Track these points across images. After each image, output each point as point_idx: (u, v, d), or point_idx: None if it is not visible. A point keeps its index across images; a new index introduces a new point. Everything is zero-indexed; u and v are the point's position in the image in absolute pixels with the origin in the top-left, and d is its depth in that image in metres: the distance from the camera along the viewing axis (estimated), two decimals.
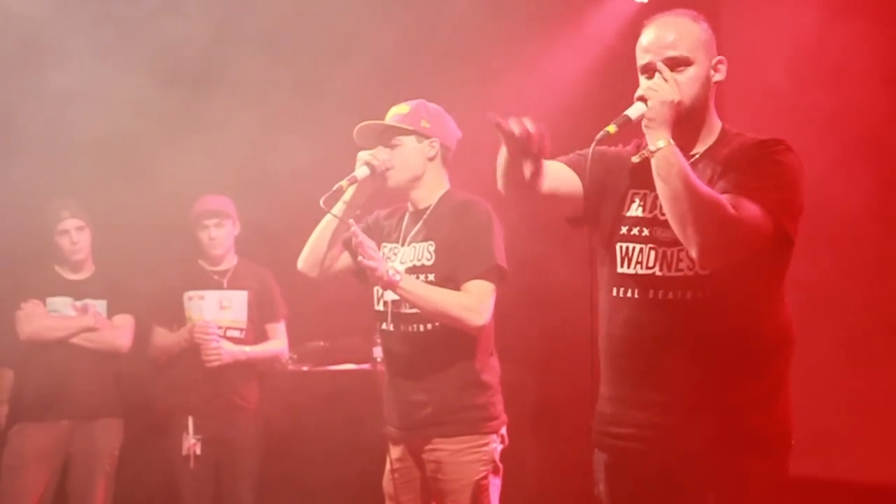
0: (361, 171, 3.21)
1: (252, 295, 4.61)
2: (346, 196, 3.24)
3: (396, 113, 3.31)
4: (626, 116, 2.32)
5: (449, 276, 3.19)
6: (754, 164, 2.34)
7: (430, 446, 3.22)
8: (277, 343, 4.71)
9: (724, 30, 5.15)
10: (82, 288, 4.61)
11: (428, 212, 3.31)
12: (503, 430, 3.29)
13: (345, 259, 3.36)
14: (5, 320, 4.48)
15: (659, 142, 2.28)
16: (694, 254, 2.26)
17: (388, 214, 3.44)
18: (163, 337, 4.60)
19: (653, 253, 2.39)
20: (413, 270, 3.23)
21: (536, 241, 4.42)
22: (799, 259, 2.46)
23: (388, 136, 3.28)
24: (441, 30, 5.00)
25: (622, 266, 2.45)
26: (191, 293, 4.59)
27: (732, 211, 2.23)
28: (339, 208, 3.26)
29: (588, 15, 5.14)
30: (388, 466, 3.34)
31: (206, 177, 4.63)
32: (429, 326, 3.20)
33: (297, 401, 4.81)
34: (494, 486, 3.24)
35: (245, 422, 4.56)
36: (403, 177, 3.28)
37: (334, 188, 3.16)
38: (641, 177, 2.42)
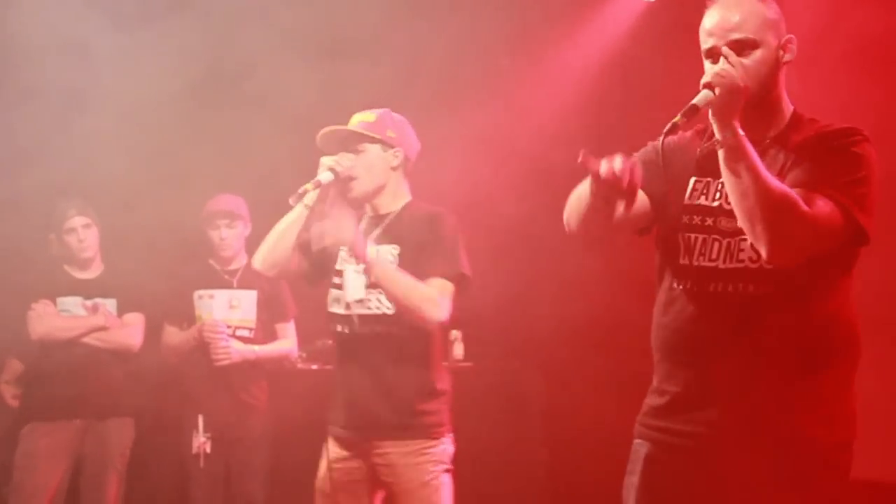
0: (325, 176, 3.22)
1: (261, 294, 4.62)
2: (308, 200, 3.25)
3: (362, 120, 3.32)
4: (694, 106, 2.17)
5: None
6: (829, 156, 2.23)
7: (381, 450, 3.25)
8: (286, 343, 4.72)
9: None
10: (92, 287, 4.62)
11: (390, 217, 3.33)
12: (451, 436, 3.32)
13: (300, 261, 3.38)
14: (16, 319, 4.49)
15: (727, 132, 2.16)
16: (763, 251, 2.16)
17: None
18: (173, 336, 4.62)
19: (716, 244, 2.30)
20: None
21: (548, 238, 4.44)
22: None
23: (352, 141, 3.29)
24: (450, 29, 4.99)
25: (684, 258, 2.35)
26: (201, 292, 4.60)
27: (805, 208, 2.14)
28: (299, 211, 3.28)
29: (596, 14, 5.14)
30: (324, 465, 3.35)
31: (219, 176, 4.64)
32: (388, 330, 3.22)
33: (307, 399, 4.81)
34: (447, 486, 3.27)
35: (255, 420, 4.57)
36: (368, 186, 3.30)
37: (300, 190, 3.20)
38: (704, 164, 2.34)
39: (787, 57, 2.31)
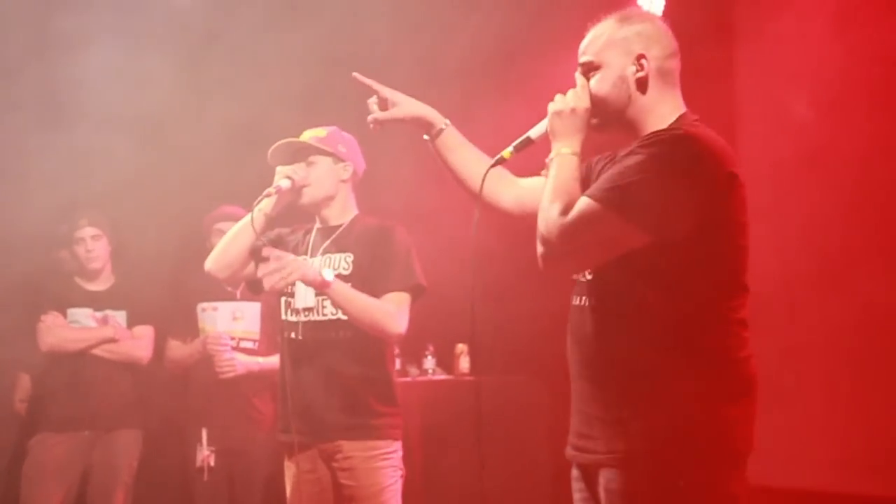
0: (284, 183, 3.36)
1: (265, 307, 4.61)
2: (262, 206, 3.39)
3: (314, 135, 3.48)
4: (527, 136, 2.39)
5: (365, 286, 3.30)
6: (620, 162, 2.27)
7: (340, 453, 3.31)
8: None
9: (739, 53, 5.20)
10: (102, 299, 4.64)
11: (340, 229, 3.47)
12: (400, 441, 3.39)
13: (249, 267, 3.50)
14: (26, 331, 4.51)
15: (559, 149, 2.32)
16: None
17: (290, 231, 3.60)
18: (177, 349, 4.63)
19: None
20: None
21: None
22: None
23: (304, 154, 3.45)
24: (457, 44, 5.02)
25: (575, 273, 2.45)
26: (204, 304, 4.61)
27: (557, 215, 2.21)
28: (255, 217, 3.40)
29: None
30: (292, 477, 3.40)
31: (223, 186, 4.66)
32: (341, 335, 3.32)
33: None
34: (399, 491, 3.35)
35: (259, 433, 4.56)
36: (318, 194, 3.44)
37: (263, 194, 3.33)
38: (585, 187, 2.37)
39: (639, 73, 2.34)
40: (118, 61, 4.53)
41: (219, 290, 4.64)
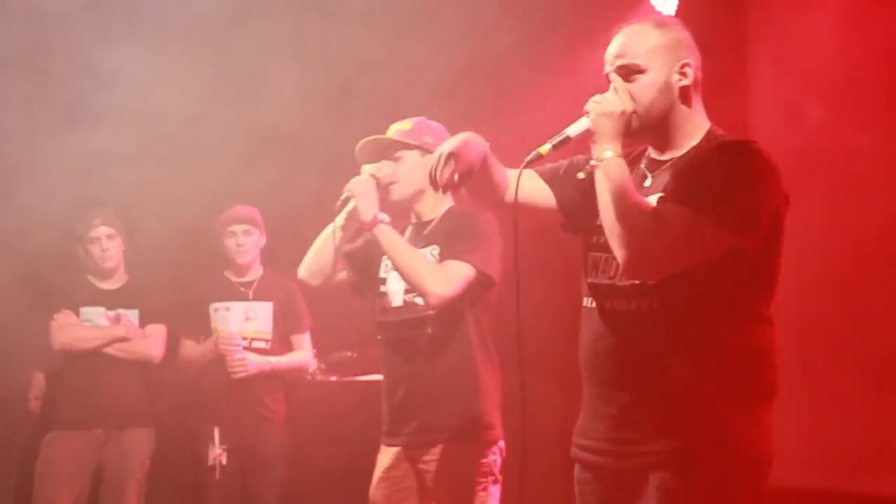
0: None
1: (277, 306, 4.64)
2: (350, 207, 3.28)
3: (399, 129, 3.36)
4: (565, 134, 2.30)
5: None
6: (701, 170, 2.25)
7: (429, 456, 3.23)
8: (302, 354, 4.74)
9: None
10: (115, 297, 4.66)
11: (433, 224, 3.35)
12: (502, 443, 3.27)
13: (346, 271, 3.42)
14: (38, 330, 4.54)
15: (604, 153, 2.25)
16: (621, 267, 2.23)
17: None
18: (190, 349, 4.64)
19: (614, 263, 2.31)
20: None
21: (560, 251, 4.45)
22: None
23: (390, 150, 3.33)
24: (468, 44, 5.01)
25: (591, 275, 2.43)
26: (217, 304, 4.62)
27: (654, 222, 2.18)
28: (342, 219, 3.30)
29: (613, 28, 5.15)
30: (376, 475, 3.34)
31: (236, 186, 4.67)
32: (429, 332, 3.22)
33: (325, 411, 4.83)
34: (494, 497, 3.23)
35: (272, 432, 4.58)
36: (407, 190, 3.32)
37: (342, 197, 3.24)
38: None
39: (683, 81, 2.33)
40: (134, 60, 4.53)
41: (231, 290, 4.66)
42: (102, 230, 4.61)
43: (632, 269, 2.22)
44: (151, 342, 4.63)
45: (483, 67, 5.18)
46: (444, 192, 2.43)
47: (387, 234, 3.17)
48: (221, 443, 4.48)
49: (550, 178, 2.52)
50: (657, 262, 2.20)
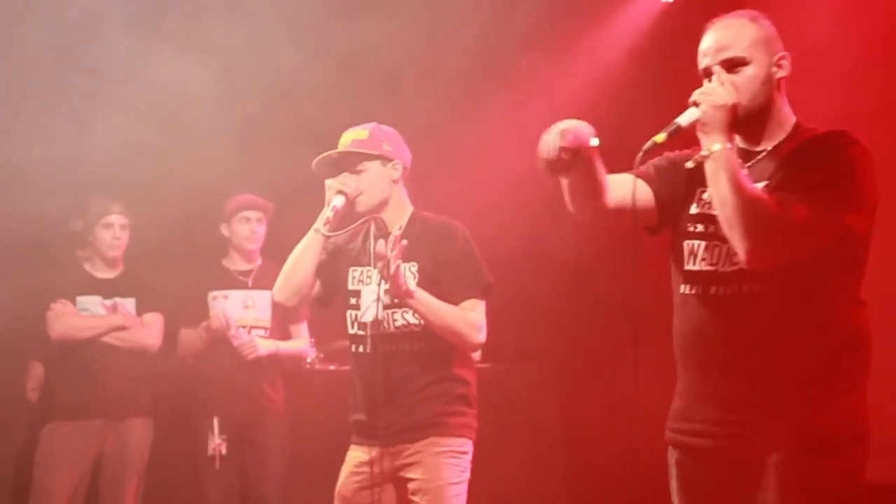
0: (339, 200, 3.24)
1: None
2: (318, 224, 3.26)
3: (355, 138, 3.32)
4: (677, 124, 2.34)
5: (432, 291, 3.19)
6: (811, 160, 2.33)
7: (407, 451, 3.23)
8: (301, 342, 4.76)
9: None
10: (112, 286, 4.64)
11: (400, 232, 3.27)
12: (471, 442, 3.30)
13: (316, 286, 3.38)
14: (36, 319, 4.52)
15: (714, 145, 2.29)
16: (742, 256, 2.27)
17: (348, 239, 3.42)
18: (186, 337, 4.64)
19: (716, 249, 2.40)
20: None
21: (581, 248, 4.45)
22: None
23: (350, 162, 3.29)
24: (467, 31, 5.00)
25: (688, 263, 2.47)
26: (215, 293, 4.63)
27: (780, 213, 2.23)
28: (312, 237, 3.28)
29: (614, 15, 5.13)
30: (345, 471, 3.33)
31: (236, 177, 4.66)
32: (414, 346, 3.23)
33: (324, 400, 4.83)
34: (464, 492, 3.26)
35: (271, 422, 4.59)
36: (373, 201, 3.30)
37: (324, 219, 3.22)
38: (704, 174, 2.40)
39: (780, 73, 2.42)
40: (135, 52, 4.52)
41: (230, 279, 4.65)
42: (118, 218, 4.59)
43: (755, 257, 2.27)
44: (149, 331, 4.62)
45: (482, 54, 5.16)
46: (553, 170, 2.34)
47: (426, 301, 3.16)
48: (221, 433, 4.48)
49: (648, 179, 2.54)
50: (781, 249, 2.27)
